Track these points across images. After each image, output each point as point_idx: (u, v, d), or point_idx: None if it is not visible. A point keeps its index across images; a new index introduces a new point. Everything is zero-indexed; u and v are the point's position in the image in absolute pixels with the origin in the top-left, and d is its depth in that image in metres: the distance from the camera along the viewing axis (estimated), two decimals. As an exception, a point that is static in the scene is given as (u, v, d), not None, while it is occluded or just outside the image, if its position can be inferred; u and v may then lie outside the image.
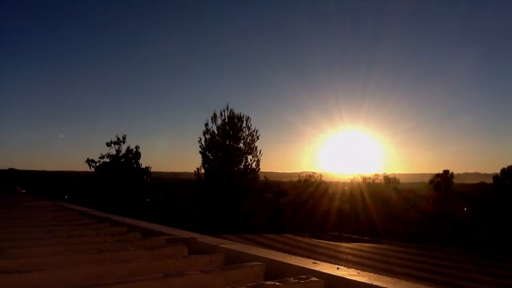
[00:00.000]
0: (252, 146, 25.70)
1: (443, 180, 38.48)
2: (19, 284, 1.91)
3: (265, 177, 27.42)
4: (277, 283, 1.84)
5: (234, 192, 24.32)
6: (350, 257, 12.99)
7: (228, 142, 25.40)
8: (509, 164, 29.49)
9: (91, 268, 2.13)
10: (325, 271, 2.03)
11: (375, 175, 37.43)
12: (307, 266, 2.13)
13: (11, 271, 1.94)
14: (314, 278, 1.94)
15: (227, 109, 25.81)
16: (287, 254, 2.49)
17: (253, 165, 25.72)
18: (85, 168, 26.24)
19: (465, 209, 30.71)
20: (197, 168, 25.81)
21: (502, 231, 22.82)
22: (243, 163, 25.60)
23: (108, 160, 26.07)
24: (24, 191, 17.66)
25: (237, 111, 25.89)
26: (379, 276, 1.93)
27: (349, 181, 38.02)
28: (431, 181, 40.21)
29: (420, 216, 27.32)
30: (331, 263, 2.24)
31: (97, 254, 2.52)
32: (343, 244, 16.08)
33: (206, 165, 25.57)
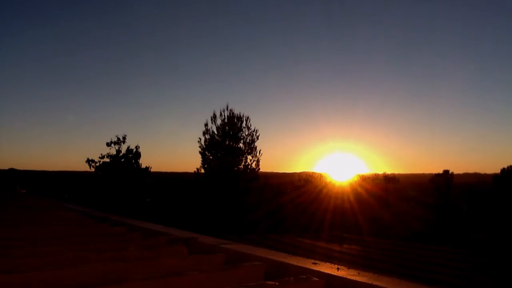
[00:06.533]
0: (252, 146, 25.70)
1: (443, 180, 38.51)
2: (19, 284, 1.91)
3: (265, 177, 27.44)
4: (277, 283, 1.84)
5: (234, 192, 24.31)
6: (350, 258, 13.02)
7: (228, 142, 25.38)
8: (509, 164, 29.48)
9: (92, 268, 2.13)
10: (325, 271, 2.03)
11: (375, 174, 37.42)
12: (307, 266, 2.13)
13: (11, 271, 1.94)
14: (314, 278, 1.94)
15: (227, 109, 25.76)
16: (287, 254, 2.49)
17: (253, 165, 25.72)
18: (85, 168, 26.20)
19: (465, 209, 30.73)
20: (197, 168, 25.82)
21: (502, 231, 22.82)
22: (243, 163, 25.59)
23: (108, 160, 26.04)
24: (24, 191, 17.65)
25: (236, 111, 25.89)
26: (379, 276, 1.94)
27: (349, 182, 38.03)
28: (431, 181, 40.22)
29: (418, 216, 27.34)
30: (332, 263, 2.24)
31: (97, 254, 2.52)
32: (343, 245, 16.13)
33: (205, 165, 25.57)
